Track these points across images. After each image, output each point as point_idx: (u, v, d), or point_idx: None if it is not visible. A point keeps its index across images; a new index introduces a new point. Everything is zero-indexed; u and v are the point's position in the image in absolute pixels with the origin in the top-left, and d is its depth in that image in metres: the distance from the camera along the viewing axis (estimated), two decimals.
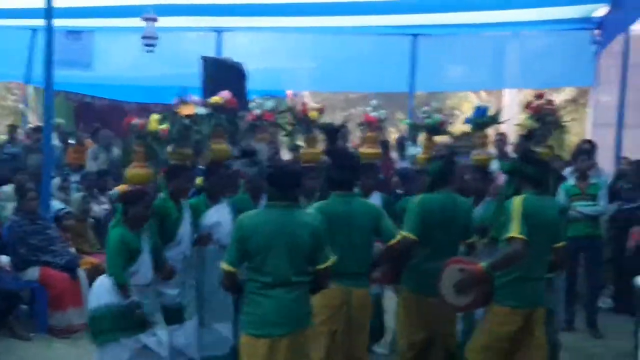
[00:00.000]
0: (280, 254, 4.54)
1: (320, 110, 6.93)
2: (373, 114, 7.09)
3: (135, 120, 5.71)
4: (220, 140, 6.25)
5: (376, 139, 7.11)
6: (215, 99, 6.26)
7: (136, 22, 10.58)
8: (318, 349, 5.04)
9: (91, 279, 7.56)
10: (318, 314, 5.01)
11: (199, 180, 6.38)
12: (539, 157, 5.43)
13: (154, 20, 10.33)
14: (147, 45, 10.61)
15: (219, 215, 6.13)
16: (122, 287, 5.39)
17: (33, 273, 7.61)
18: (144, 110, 13.04)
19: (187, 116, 5.93)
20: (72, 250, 8.24)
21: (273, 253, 4.54)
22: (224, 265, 4.66)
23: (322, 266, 4.69)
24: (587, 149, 8.44)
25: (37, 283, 7.63)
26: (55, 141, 12.08)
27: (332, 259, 4.75)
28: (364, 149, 7.05)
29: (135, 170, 5.62)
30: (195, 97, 6.27)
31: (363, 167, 6.92)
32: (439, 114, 7.09)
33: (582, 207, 7.89)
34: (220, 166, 6.29)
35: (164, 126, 5.75)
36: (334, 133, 5.96)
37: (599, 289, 8.28)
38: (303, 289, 4.66)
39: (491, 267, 4.83)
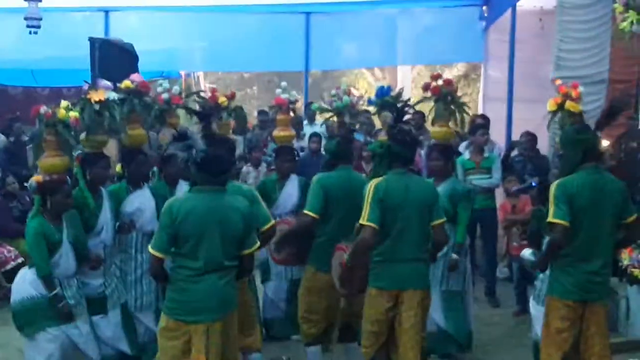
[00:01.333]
0: (213, 239, 4.50)
1: (230, 97, 6.84)
2: (283, 96, 7.04)
3: (43, 109, 5.50)
4: (136, 126, 6.11)
5: (288, 121, 7.07)
6: (126, 83, 6.12)
7: (18, 2, 10.15)
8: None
9: None
10: None
11: (117, 167, 6.23)
12: (407, 134, 5.29)
13: (38, 0, 9.93)
14: (30, 26, 10.21)
15: (140, 201, 6.01)
16: (45, 278, 5.30)
17: None
18: (32, 95, 12.61)
19: (98, 102, 5.75)
20: None
21: (206, 238, 4.50)
22: (153, 251, 4.56)
23: (249, 251, 4.70)
24: (482, 124, 8.65)
25: None
26: None
27: (257, 244, 4.77)
28: (278, 132, 7.02)
29: (49, 159, 5.47)
30: (106, 82, 6.08)
31: (279, 151, 6.93)
32: (348, 95, 7.11)
33: (477, 180, 8.08)
34: (139, 152, 6.17)
35: (74, 113, 5.56)
36: (209, 116, 5.90)
37: (496, 260, 8.51)
38: (232, 274, 4.65)
39: (350, 256, 4.97)
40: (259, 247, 5.49)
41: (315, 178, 5.68)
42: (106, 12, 12.51)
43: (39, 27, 10.14)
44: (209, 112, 6.12)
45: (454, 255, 6.16)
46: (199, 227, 4.50)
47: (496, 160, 8.32)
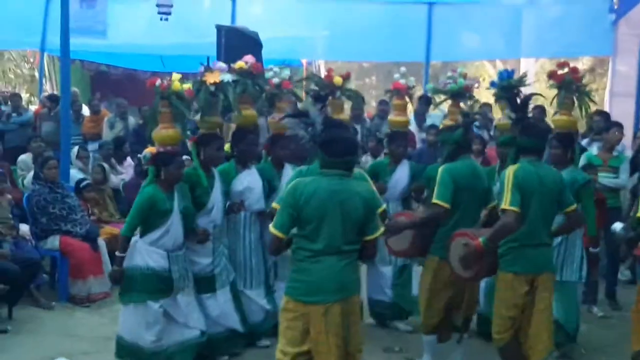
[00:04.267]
0: (334, 222, 4.49)
1: (346, 77, 6.89)
2: (402, 82, 7.03)
3: (158, 81, 5.71)
4: (247, 106, 6.24)
5: (405, 106, 7.06)
6: (240, 64, 6.22)
7: None
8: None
9: (110, 248, 7.65)
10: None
11: (226, 147, 6.37)
12: (533, 126, 5.39)
13: None
14: (161, 13, 10.56)
15: (249, 181, 6.16)
16: (125, 238, 5.53)
17: (53, 242, 7.64)
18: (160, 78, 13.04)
19: (213, 84, 5.93)
20: (92, 219, 8.29)
21: (327, 221, 4.49)
22: (274, 230, 4.57)
23: (371, 237, 4.66)
24: (617, 122, 8.36)
25: (57, 252, 7.66)
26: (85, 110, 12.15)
27: (380, 230, 4.75)
28: (393, 117, 7.01)
29: (163, 131, 5.65)
30: (221, 64, 6.23)
31: (393, 135, 6.94)
32: (464, 79, 7.03)
33: (603, 178, 7.85)
34: (249, 132, 6.30)
35: (187, 86, 5.75)
36: (324, 100, 5.95)
37: (618, 261, 8.25)
38: (353, 257, 4.64)
39: (488, 240, 4.90)
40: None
41: (442, 168, 5.64)
42: (233, 0, 12.81)
43: (170, 13, 10.47)
44: (325, 95, 6.18)
45: (593, 249, 6.22)
46: (321, 210, 4.49)
47: (625, 160, 8.06)
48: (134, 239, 5.66)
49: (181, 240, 5.69)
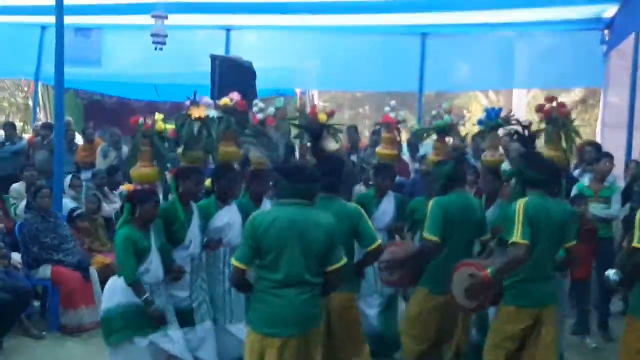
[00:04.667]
0: (294, 252, 4.49)
1: (330, 113, 6.91)
2: (391, 115, 7.09)
3: (142, 120, 5.73)
4: (230, 143, 6.25)
5: (393, 140, 7.11)
6: (224, 100, 6.25)
7: (145, 19, 10.57)
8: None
9: (102, 278, 7.62)
10: None
11: (207, 182, 6.38)
12: (541, 160, 5.43)
13: (164, 17, 10.32)
14: (156, 42, 10.60)
15: (229, 217, 6.15)
16: (134, 285, 5.44)
17: (45, 271, 7.62)
18: (153, 108, 13.06)
19: (198, 118, 5.94)
20: (84, 248, 8.26)
21: (287, 251, 4.49)
22: (235, 262, 4.62)
23: (333, 267, 4.63)
24: (608, 153, 8.41)
25: (49, 281, 7.64)
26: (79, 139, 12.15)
27: (343, 260, 4.69)
28: (381, 150, 7.07)
29: (141, 169, 5.66)
30: (207, 99, 6.26)
31: (380, 168, 6.99)
32: (449, 114, 7.08)
33: (595, 209, 7.87)
34: (230, 168, 6.31)
35: (171, 126, 5.77)
36: (319, 134, 5.97)
37: (610, 292, 8.24)
38: (315, 290, 4.61)
39: (497, 272, 4.88)
40: (364, 265, 5.54)
41: (433, 201, 5.67)
42: (228, 30, 12.86)
43: (164, 43, 10.49)
44: (319, 129, 6.19)
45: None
46: (279, 239, 4.50)
47: (617, 191, 8.09)
48: (113, 278, 5.63)
49: (162, 275, 5.66)
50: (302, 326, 4.56)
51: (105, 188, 9.80)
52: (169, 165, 5.99)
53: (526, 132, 6.16)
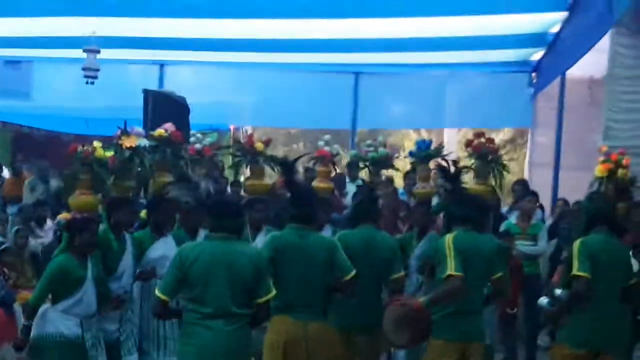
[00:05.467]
0: (220, 284, 4.52)
1: (266, 143, 6.93)
2: (326, 149, 7.13)
3: (81, 148, 5.65)
4: (165, 174, 6.20)
5: (329, 173, 7.15)
6: (159, 131, 6.23)
7: (77, 53, 10.45)
8: None
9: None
10: (273, 349, 5.03)
11: (142, 214, 6.30)
12: (466, 196, 5.54)
13: (97, 52, 10.22)
14: (88, 76, 10.48)
15: (164, 249, 6.06)
16: (33, 308, 5.40)
17: None
18: (83, 141, 12.85)
19: (129, 148, 5.89)
20: (8, 284, 8.02)
21: (213, 283, 4.52)
22: (158, 293, 4.63)
23: (263, 299, 4.67)
24: (532, 191, 8.60)
25: None
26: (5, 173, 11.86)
27: (272, 293, 4.72)
28: (317, 184, 7.08)
29: (81, 197, 5.59)
30: (138, 129, 6.22)
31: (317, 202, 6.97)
32: (384, 148, 7.17)
33: (522, 246, 8.01)
34: (165, 199, 6.25)
35: (110, 153, 5.70)
36: (292, 167, 6.00)
37: (538, 327, 8.38)
38: (243, 322, 4.63)
39: (430, 302, 4.92)
40: (338, 293, 5.39)
41: (336, 236, 5.72)
42: (161, 65, 12.84)
43: (96, 77, 10.39)
44: (291, 162, 6.20)
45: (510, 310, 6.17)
46: (205, 272, 4.54)
47: (542, 228, 8.26)
48: (44, 306, 5.51)
49: (94, 307, 5.55)
50: (230, 358, 4.57)
51: (32, 223, 9.57)
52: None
53: (452, 169, 6.25)
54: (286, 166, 5.96)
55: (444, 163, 6.43)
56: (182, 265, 4.57)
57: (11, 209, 10.17)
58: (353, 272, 5.23)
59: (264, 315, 4.77)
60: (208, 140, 6.77)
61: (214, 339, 4.51)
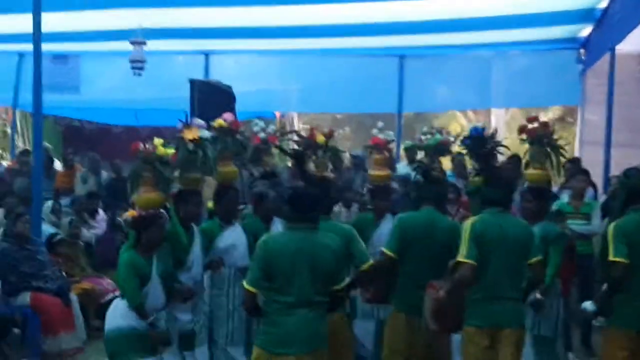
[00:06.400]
0: (304, 275, 4.58)
1: (329, 135, 6.92)
2: (380, 136, 7.10)
3: (141, 146, 5.72)
4: (228, 163, 6.26)
5: (385, 161, 7.12)
6: (219, 122, 6.29)
7: (123, 45, 10.58)
8: None
9: (82, 303, 7.55)
10: None
11: (210, 204, 6.35)
12: (499, 176, 5.44)
13: (143, 44, 10.34)
14: (135, 68, 10.61)
15: (233, 238, 6.14)
16: (138, 309, 5.44)
17: (24, 298, 7.55)
18: (132, 133, 13.07)
19: (192, 140, 5.95)
20: (63, 274, 8.19)
21: (298, 274, 4.58)
22: (247, 286, 4.69)
23: (340, 286, 4.78)
24: (584, 169, 8.47)
25: (28, 308, 7.56)
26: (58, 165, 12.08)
27: (347, 280, 4.86)
28: (374, 172, 7.06)
29: (145, 195, 5.63)
30: (198, 120, 6.28)
31: (375, 190, 6.96)
32: (440, 134, 7.12)
33: (575, 225, 7.90)
34: (230, 188, 6.30)
35: (171, 151, 5.76)
36: (302, 157, 6.00)
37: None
38: (323, 309, 4.72)
39: (446, 293, 4.89)
40: (358, 286, 5.52)
41: (395, 218, 5.70)
42: (206, 55, 12.90)
43: (143, 69, 10.52)
44: (301, 152, 6.21)
45: (538, 295, 6.03)
46: (289, 264, 4.59)
47: (595, 207, 8.14)
48: (115, 300, 5.66)
49: (162, 301, 5.63)
50: (314, 344, 4.64)
51: (85, 214, 9.75)
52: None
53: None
54: (297, 156, 5.96)
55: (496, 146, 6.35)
56: (266, 258, 4.63)
57: (64, 201, 10.34)
58: (370, 262, 5.30)
59: (338, 302, 4.91)
60: (272, 128, 6.78)
61: (297, 325, 4.57)
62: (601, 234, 8.13)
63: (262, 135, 6.60)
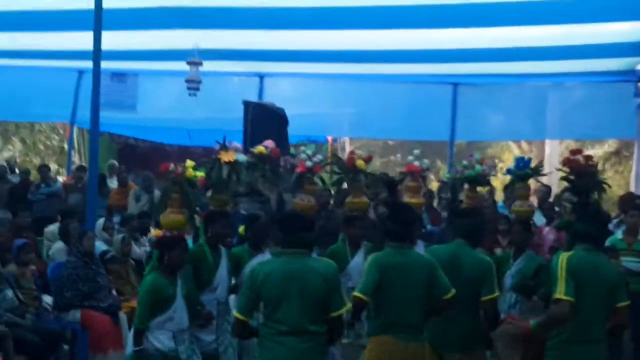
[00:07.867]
0: (293, 302, 4.51)
1: (368, 159, 6.91)
2: (416, 163, 7.08)
3: (172, 167, 5.78)
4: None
5: (419, 188, 7.08)
6: (259, 148, 6.31)
7: (180, 65, 10.74)
8: None
9: (132, 322, 7.60)
10: None
11: (241, 229, 6.39)
12: (594, 212, 5.23)
13: (199, 64, 10.48)
14: (190, 88, 10.75)
15: None
16: (137, 331, 5.48)
17: (75, 314, 7.62)
18: (186, 152, 13.21)
19: (227, 162, 5.99)
20: (114, 292, 8.27)
21: (286, 301, 4.52)
22: (235, 313, 4.68)
23: (336, 313, 4.62)
24: (637, 205, 8.31)
25: (78, 324, 7.64)
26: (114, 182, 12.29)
27: (347, 306, 4.70)
28: (408, 199, 7.03)
29: (170, 216, 5.69)
30: (236, 144, 6.32)
31: (350, 219, 6.92)
32: (480, 164, 7.06)
33: (628, 262, 7.72)
34: (260, 216, 6.33)
35: (201, 174, 5.81)
36: (394, 185, 5.98)
37: None
38: (319, 340, 4.60)
39: (538, 326, 4.71)
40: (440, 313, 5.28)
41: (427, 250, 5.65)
42: (261, 77, 13.01)
43: (198, 89, 10.65)
44: (392, 179, 6.18)
45: None
46: (277, 290, 4.53)
47: None
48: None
49: (186, 322, 5.66)
50: None
51: (136, 232, 9.86)
52: (198, 209, 6.02)
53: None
54: (388, 184, 5.93)
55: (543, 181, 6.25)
56: (253, 285, 4.59)
57: (116, 218, 10.49)
58: (453, 291, 5.09)
59: (339, 330, 4.75)
60: (318, 157, 6.76)
61: (288, 356, 4.51)
62: None
63: (308, 163, 6.55)
